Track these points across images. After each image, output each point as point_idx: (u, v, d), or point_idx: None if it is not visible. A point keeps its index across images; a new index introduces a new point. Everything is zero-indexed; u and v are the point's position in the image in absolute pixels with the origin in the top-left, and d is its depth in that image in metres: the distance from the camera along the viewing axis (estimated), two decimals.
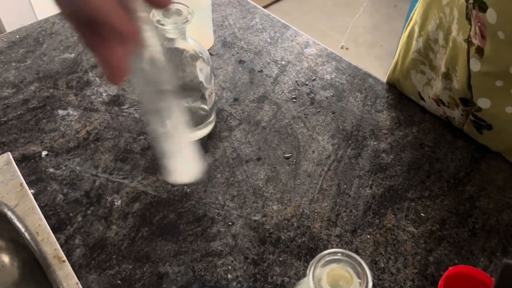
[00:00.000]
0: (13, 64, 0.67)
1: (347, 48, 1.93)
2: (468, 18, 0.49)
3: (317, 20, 2.08)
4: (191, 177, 0.43)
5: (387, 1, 2.16)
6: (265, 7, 2.09)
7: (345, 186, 0.54)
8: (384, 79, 0.69)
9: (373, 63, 1.85)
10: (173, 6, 0.48)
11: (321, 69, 0.69)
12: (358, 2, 2.21)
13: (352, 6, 2.19)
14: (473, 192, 0.54)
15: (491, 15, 0.45)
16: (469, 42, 0.50)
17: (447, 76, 0.56)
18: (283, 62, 0.70)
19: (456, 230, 0.50)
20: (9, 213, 0.50)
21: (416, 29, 0.60)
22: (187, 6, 0.49)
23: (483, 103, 0.52)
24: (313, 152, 0.58)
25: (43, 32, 0.73)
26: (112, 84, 0.29)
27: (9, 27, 1.82)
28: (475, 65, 0.50)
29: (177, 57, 0.53)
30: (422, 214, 0.52)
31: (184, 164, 0.40)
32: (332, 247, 0.48)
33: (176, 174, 0.40)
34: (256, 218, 0.51)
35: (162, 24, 0.47)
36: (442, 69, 0.56)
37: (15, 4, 1.77)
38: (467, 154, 0.58)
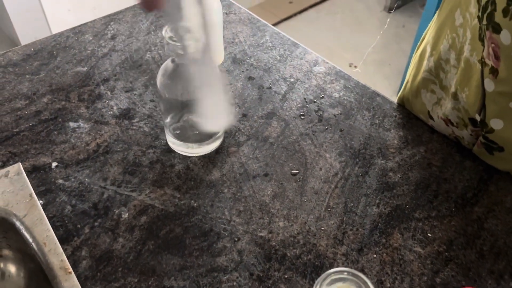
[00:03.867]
0: (27, 76, 0.68)
1: (355, 67, 1.94)
2: (481, 39, 0.49)
3: (326, 38, 2.10)
4: (220, 125, 0.50)
5: (396, 21, 2.17)
6: (275, 24, 2.11)
7: (352, 204, 0.54)
8: (392, 98, 0.69)
9: (381, 82, 1.85)
10: (185, 24, 0.49)
11: (329, 87, 0.70)
12: (368, 22, 2.23)
13: (361, 25, 2.21)
14: (481, 213, 0.54)
15: (505, 37, 0.46)
16: (482, 62, 0.50)
17: (455, 97, 0.56)
18: (292, 80, 0.71)
19: (464, 252, 0.50)
20: (18, 223, 0.50)
21: (428, 49, 0.60)
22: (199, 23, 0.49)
23: (495, 124, 0.52)
24: (320, 169, 0.58)
25: (57, 45, 0.74)
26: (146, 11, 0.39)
27: (24, 40, 1.85)
28: (490, 86, 0.50)
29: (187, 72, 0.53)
30: (429, 234, 0.51)
31: (215, 111, 0.43)
32: (338, 266, 0.48)
33: (207, 120, 0.44)
34: (262, 234, 0.51)
35: (174, 41, 0.48)
36: (452, 89, 0.56)
37: (30, 18, 1.81)
38: (475, 175, 0.58)
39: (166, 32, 0.49)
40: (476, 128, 0.56)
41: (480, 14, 0.49)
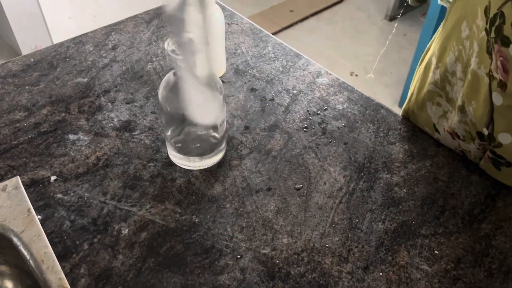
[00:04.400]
0: (27, 87, 0.68)
1: (356, 75, 1.94)
2: (489, 52, 0.49)
3: (327, 47, 2.09)
4: (207, 119, 0.48)
5: (397, 30, 2.17)
6: (275, 33, 2.11)
7: (357, 220, 0.53)
8: (393, 107, 0.68)
9: (382, 91, 1.84)
10: (187, 36, 0.49)
11: (333, 99, 0.69)
12: (369, 30, 2.23)
13: (362, 34, 2.21)
14: (489, 230, 0.52)
15: None
16: (490, 76, 0.49)
17: (462, 110, 0.55)
18: (295, 91, 0.70)
19: (472, 270, 0.49)
20: (15, 239, 0.49)
21: (434, 61, 0.59)
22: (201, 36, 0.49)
23: (503, 138, 0.51)
24: (325, 183, 0.57)
25: (58, 56, 0.73)
26: None
27: (24, 48, 1.85)
28: (498, 99, 0.49)
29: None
30: (436, 252, 0.50)
31: (202, 104, 0.44)
32: (343, 284, 0.47)
33: (195, 113, 0.45)
34: (265, 251, 0.50)
35: (177, 54, 0.47)
36: (459, 102, 0.55)
37: (31, 26, 1.81)
38: (482, 190, 0.57)
39: (168, 45, 0.48)
40: (483, 142, 0.55)
41: (488, 27, 0.48)
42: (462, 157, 0.61)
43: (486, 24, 0.49)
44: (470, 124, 0.55)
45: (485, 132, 0.53)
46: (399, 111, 0.68)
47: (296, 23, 2.21)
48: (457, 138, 0.58)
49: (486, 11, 0.49)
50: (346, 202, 0.55)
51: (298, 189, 0.56)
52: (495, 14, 0.47)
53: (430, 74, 0.60)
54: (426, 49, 0.66)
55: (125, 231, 0.51)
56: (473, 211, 0.54)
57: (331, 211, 0.54)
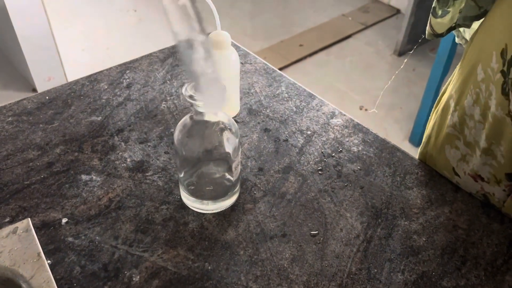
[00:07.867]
0: (41, 125, 0.68)
1: (366, 110, 1.94)
2: (506, 93, 0.48)
3: (336, 81, 2.11)
4: (215, 108, 0.49)
5: (406, 65, 2.19)
6: (285, 67, 2.13)
7: (375, 270, 0.51)
8: (404, 142, 0.67)
9: (392, 126, 1.84)
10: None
11: (347, 141, 0.68)
12: (378, 65, 2.25)
13: (371, 68, 2.22)
14: None
15: None
16: (511, 116, 0.49)
17: (488, 152, 0.54)
18: (309, 132, 0.69)
19: None
20: (24, 285, 0.48)
21: (452, 104, 0.59)
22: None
23: None
24: (341, 230, 0.55)
25: (72, 94, 0.74)
26: None
27: (37, 79, 1.87)
28: None
29: (205, 129, 0.52)
30: None
31: (210, 94, 0.46)
32: None
33: (204, 103, 0.47)
34: None
35: (195, 99, 0.47)
36: (483, 144, 0.55)
37: (44, 57, 1.84)
38: (504, 239, 0.55)
39: (186, 90, 0.48)
40: (510, 183, 0.54)
41: (505, 69, 0.49)
42: (482, 204, 0.59)
43: (503, 66, 0.49)
44: (497, 166, 0.54)
45: None
46: (409, 147, 0.67)
47: (305, 57, 2.23)
48: (481, 181, 0.57)
49: (503, 53, 0.49)
50: (363, 251, 0.53)
51: (314, 235, 0.55)
52: None
53: (449, 117, 0.60)
54: (442, 91, 0.65)
55: (136, 278, 0.49)
56: (496, 262, 0.52)
57: (349, 260, 0.52)
